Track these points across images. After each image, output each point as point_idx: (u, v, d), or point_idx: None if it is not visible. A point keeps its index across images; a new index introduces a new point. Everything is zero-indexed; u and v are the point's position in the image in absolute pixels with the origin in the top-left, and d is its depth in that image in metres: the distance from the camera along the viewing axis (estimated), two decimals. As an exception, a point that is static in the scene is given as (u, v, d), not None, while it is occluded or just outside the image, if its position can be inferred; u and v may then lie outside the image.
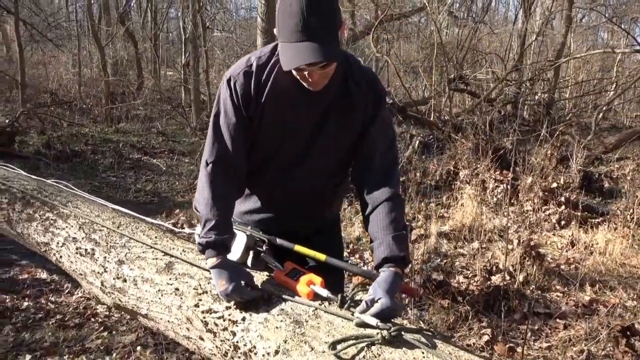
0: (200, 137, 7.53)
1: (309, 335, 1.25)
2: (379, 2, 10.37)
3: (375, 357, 1.17)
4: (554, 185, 4.44)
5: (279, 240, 1.53)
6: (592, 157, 6.50)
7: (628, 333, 2.21)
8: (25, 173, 2.35)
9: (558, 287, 3.02)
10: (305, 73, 1.30)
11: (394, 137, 1.54)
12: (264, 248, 1.53)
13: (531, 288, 2.94)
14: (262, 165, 1.51)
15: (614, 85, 10.79)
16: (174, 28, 19.24)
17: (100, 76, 10.30)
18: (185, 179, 6.08)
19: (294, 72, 1.33)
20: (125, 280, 1.63)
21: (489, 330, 2.43)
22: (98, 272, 1.70)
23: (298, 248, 1.50)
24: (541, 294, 2.93)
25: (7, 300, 2.76)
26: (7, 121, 7.03)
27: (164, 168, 6.73)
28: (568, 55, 11.68)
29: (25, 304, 2.75)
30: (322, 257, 1.50)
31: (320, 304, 1.33)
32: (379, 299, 1.27)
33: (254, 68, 1.40)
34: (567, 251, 3.62)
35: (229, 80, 1.41)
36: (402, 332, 1.21)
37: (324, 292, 1.35)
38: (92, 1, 12.04)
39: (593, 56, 12.13)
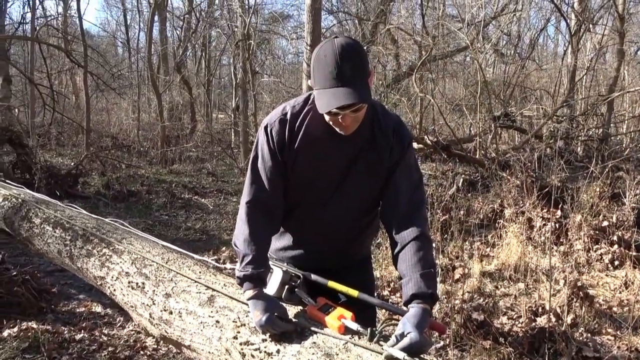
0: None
1: (339, 367, 1.31)
2: (422, 43, 10.57)
3: (402, 390, 1.20)
4: (605, 223, 4.27)
5: (313, 277, 1.62)
6: (651, 193, 6.18)
7: (683, 380, 2.08)
8: (86, 212, 2.58)
9: (609, 330, 2.88)
10: (339, 118, 1.41)
11: (420, 179, 1.61)
12: (299, 283, 1.61)
13: (580, 331, 2.82)
14: (294, 205, 1.62)
15: (674, 119, 10.29)
16: (225, 74, 20.25)
17: (157, 121, 11.00)
18: (232, 218, 6.29)
19: (327, 118, 1.45)
20: (171, 313, 1.74)
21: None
22: (147, 305, 1.83)
23: (332, 284, 1.58)
24: (591, 337, 2.80)
25: (65, 332, 2.95)
26: (72, 164, 7.61)
27: (213, 207, 6.99)
28: (622, 89, 11.31)
29: (81, 335, 2.93)
30: (354, 293, 1.56)
31: (350, 338, 1.39)
32: (408, 333, 1.31)
33: (288, 116, 1.53)
34: (620, 292, 3.45)
35: (265, 127, 1.55)
36: (428, 369, 1.24)
37: (354, 326, 1.40)
38: (152, 52, 13.01)
39: (650, 90, 11.68)
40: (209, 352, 1.63)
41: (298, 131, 1.53)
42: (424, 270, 1.45)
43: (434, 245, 1.62)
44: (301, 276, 1.63)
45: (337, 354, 1.34)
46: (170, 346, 2.95)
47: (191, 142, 10.83)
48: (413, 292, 1.42)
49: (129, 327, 3.09)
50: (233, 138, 11.89)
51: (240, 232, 1.54)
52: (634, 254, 3.85)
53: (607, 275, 3.79)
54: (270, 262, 1.63)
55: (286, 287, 1.61)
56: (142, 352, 2.84)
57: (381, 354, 1.32)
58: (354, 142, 1.52)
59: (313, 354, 1.37)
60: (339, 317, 1.44)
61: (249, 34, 8.35)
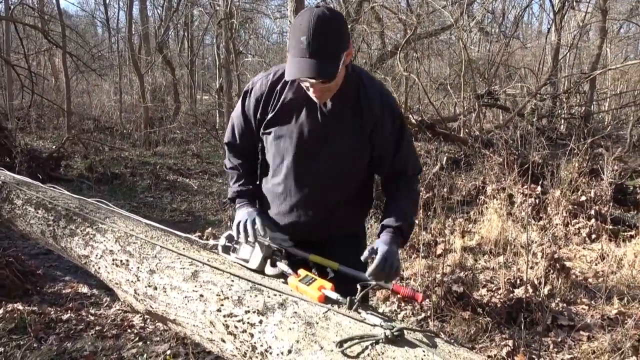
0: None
1: (319, 335, 1.35)
2: (407, 22, 10.51)
3: (379, 354, 1.25)
4: (583, 198, 4.37)
5: (294, 250, 1.67)
6: (629, 169, 6.33)
7: (650, 343, 2.19)
8: (68, 193, 2.57)
9: (584, 300, 2.99)
10: (308, 85, 1.48)
11: (411, 148, 1.72)
12: (280, 257, 1.65)
13: (556, 301, 2.93)
14: (282, 162, 1.68)
15: (654, 96, 10.46)
16: (209, 54, 19.97)
17: (140, 102, 10.84)
18: (217, 199, 6.30)
19: (302, 84, 1.52)
20: (155, 288, 1.77)
21: (510, 342, 2.44)
22: (132, 281, 1.85)
23: (313, 257, 1.64)
24: (566, 306, 2.91)
25: (52, 313, 2.97)
26: (54, 147, 7.50)
27: (198, 188, 6.98)
28: (604, 67, 11.43)
29: (67, 315, 2.95)
30: (335, 265, 1.62)
31: (330, 307, 1.43)
32: (377, 248, 1.53)
33: (270, 77, 1.64)
34: (596, 265, 3.56)
35: (247, 88, 1.71)
36: (405, 332, 1.30)
37: (334, 295, 1.45)
38: (133, 32, 12.74)
39: (632, 67, 11.83)
40: (194, 326, 1.67)
41: (281, 91, 1.61)
42: (399, 210, 1.64)
43: (418, 213, 1.74)
44: (282, 250, 1.67)
45: (317, 323, 1.39)
46: (158, 324, 3.00)
47: (175, 124, 10.72)
48: (383, 223, 1.63)
49: (115, 306, 3.12)
50: (218, 119, 11.79)
51: (228, 160, 1.82)
52: (610, 227, 3.97)
53: (584, 249, 3.91)
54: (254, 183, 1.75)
55: (268, 260, 1.66)
56: (129, 331, 2.87)
57: (360, 321, 1.37)
58: (338, 106, 1.58)
59: (294, 322, 1.41)
60: (319, 287, 1.49)
61: (232, 12, 8.23)
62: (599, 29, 11.20)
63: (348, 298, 1.42)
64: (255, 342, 1.46)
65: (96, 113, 12.32)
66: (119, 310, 3.09)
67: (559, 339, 2.57)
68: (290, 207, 1.70)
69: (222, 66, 9.88)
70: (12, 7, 10.53)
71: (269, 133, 1.66)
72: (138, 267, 1.85)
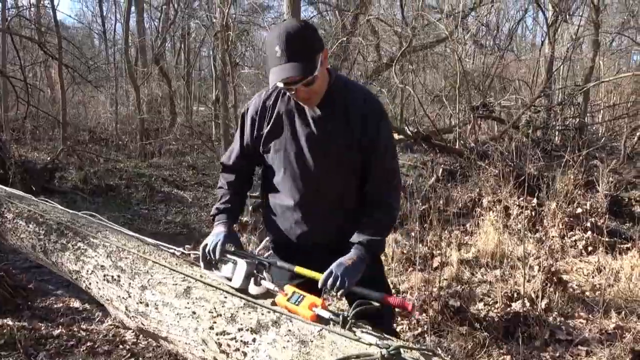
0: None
1: (314, 354, 1.32)
2: (402, 34, 10.59)
3: (375, 375, 1.23)
4: (579, 210, 4.37)
5: (279, 263, 1.67)
6: (624, 181, 6.35)
7: (647, 359, 2.16)
8: (60, 207, 2.54)
9: (582, 313, 2.96)
10: (293, 92, 1.57)
11: (393, 157, 1.76)
12: (265, 274, 1.61)
13: (553, 315, 2.90)
14: (285, 177, 1.72)
15: (647, 108, 10.54)
16: (205, 66, 20.02)
17: (136, 114, 10.81)
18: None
19: (289, 93, 1.62)
20: (147, 305, 1.74)
21: (508, 358, 2.41)
22: (123, 298, 1.82)
23: (298, 269, 1.62)
24: (564, 320, 2.88)
25: (42, 328, 2.91)
26: (48, 158, 7.46)
27: (193, 200, 6.95)
28: (598, 79, 11.53)
29: (58, 331, 2.90)
30: (321, 277, 1.59)
31: (324, 326, 1.40)
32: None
33: (263, 95, 1.75)
34: (593, 277, 3.54)
35: (245, 108, 1.81)
36: (401, 350, 1.27)
37: (326, 314, 1.42)
38: (130, 44, 12.77)
39: (625, 79, 11.93)
40: (186, 344, 1.63)
41: (273, 108, 1.70)
42: (369, 224, 1.66)
43: (397, 223, 1.76)
44: (267, 264, 1.64)
45: (312, 341, 1.36)
46: (150, 339, 2.95)
47: (171, 135, 10.70)
48: (351, 240, 1.66)
49: (107, 321, 3.06)
50: (214, 130, 11.78)
51: (219, 181, 1.88)
52: (606, 239, 3.95)
53: (580, 261, 3.89)
54: (233, 254, 1.69)
55: (252, 279, 1.61)
56: (121, 347, 2.82)
57: (354, 339, 1.34)
58: (327, 111, 1.65)
59: (288, 341, 1.38)
60: (310, 306, 1.45)
61: (228, 25, 8.25)
62: (592, 42, 11.31)
63: (341, 316, 1.40)
64: (248, 361, 1.42)
65: (92, 124, 12.29)
66: (111, 325, 3.04)
67: (557, 354, 2.54)
68: (300, 216, 1.74)
69: (218, 78, 9.89)
70: (8, 18, 10.54)
71: (268, 150, 1.72)
72: (130, 283, 1.82)
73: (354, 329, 1.36)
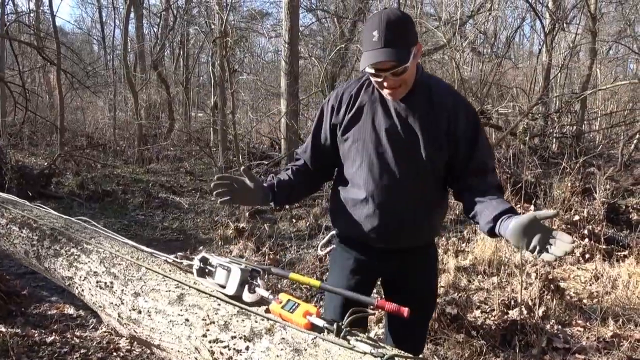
0: (226, 176, 7.75)
1: (307, 363, 1.31)
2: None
3: (369, 384, 1.21)
4: (577, 217, 4.36)
5: (274, 270, 1.63)
6: (620, 188, 6.36)
7: (645, 368, 2.15)
8: (54, 212, 2.52)
9: (579, 321, 2.95)
10: (381, 79, 1.54)
11: (490, 154, 1.69)
12: (259, 282, 1.59)
13: (551, 323, 2.88)
14: (360, 169, 1.69)
15: (644, 116, 10.60)
16: (204, 72, 20.06)
17: (134, 119, 10.82)
18: (209, 217, 6.24)
19: (375, 83, 1.60)
20: (140, 312, 1.71)
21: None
22: (116, 304, 1.79)
23: (293, 276, 1.60)
24: (561, 328, 2.86)
25: (35, 335, 2.89)
26: (45, 164, 7.44)
27: (190, 207, 6.92)
28: (595, 87, 11.58)
29: (52, 338, 2.87)
30: (317, 283, 1.58)
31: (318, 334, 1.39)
32: (553, 237, 1.33)
33: (345, 86, 1.74)
34: (590, 285, 3.53)
35: (326, 99, 1.79)
36: (396, 359, 1.25)
37: (321, 322, 1.40)
38: (129, 50, 12.79)
39: (622, 87, 12.00)
40: (178, 351, 1.61)
41: (356, 97, 1.68)
42: (496, 199, 1.55)
43: None
44: (260, 271, 1.61)
45: (306, 349, 1.34)
46: (144, 347, 2.92)
47: (169, 141, 10.69)
48: (493, 214, 1.50)
49: (101, 328, 3.04)
50: (212, 136, 11.78)
51: (286, 167, 1.87)
52: (604, 247, 3.95)
53: (578, 269, 3.88)
54: (227, 260, 1.64)
55: (246, 286, 1.58)
56: (115, 354, 2.80)
57: (349, 348, 1.32)
58: (411, 104, 1.62)
59: (282, 349, 1.36)
60: (304, 314, 1.43)
61: (227, 31, 8.27)
62: (589, 50, 11.39)
63: (335, 324, 1.38)
64: (241, 370, 1.40)
65: (90, 130, 12.30)
66: (105, 332, 3.01)
67: (555, 363, 2.53)
68: (372, 211, 1.68)
69: (217, 84, 9.91)
70: (7, 24, 10.57)
71: (347, 139, 1.69)
72: (122, 290, 1.80)
73: (349, 337, 1.34)
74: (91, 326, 3.08)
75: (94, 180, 7.44)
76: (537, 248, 1.35)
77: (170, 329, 1.62)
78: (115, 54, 16.93)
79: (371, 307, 1.52)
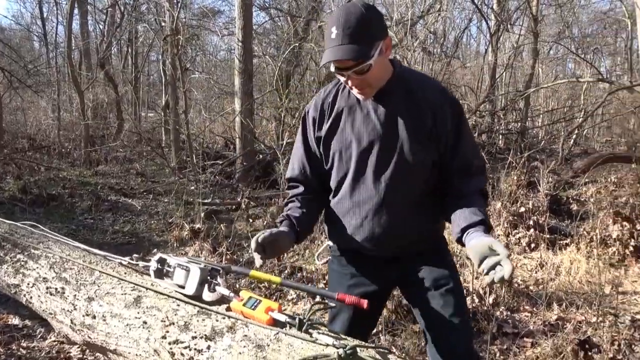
0: (180, 177, 7.58)
1: (271, 358, 1.31)
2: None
3: (332, 375, 1.23)
4: (522, 209, 4.59)
5: (234, 268, 1.62)
6: (562, 181, 6.73)
7: (587, 346, 2.30)
8: (-3, 217, 2.39)
9: (527, 307, 3.11)
10: (345, 79, 1.48)
11: (474, 147, 1.62)
12: (219, 280, 1.57)
13: (500, 309, 3.02)
14: (345, 177, 1.62)
15: (582, 112, 11.26)
16: (154, 70, 19.51)
17: (80, 120, 10.38)
18: (163, 219, 6.09)
19: (344, 84, 1.54)
20: (94, 317, 1.66)
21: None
22: (68, 310, 1.73)
23: (253, 273, 1.59)
24: (510, 314, 3.01)
25: (-22, 348, 2.74)
26: (-17, 168, 7.02)
27: (142, 209, 6.73)
28: (537, 86, 12.18)
29: (-4, 350, 2.73)
30: (277, 280, 1.59)
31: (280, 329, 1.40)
32: (494, 247, 1.36)
33: (322, 94, 1.66)
34: (536, 272, 3.73)
35: (304, 111, 1.70)
36: (358, 350, 1.28)
37: (283, 317, 1.41)
38: (73, 47, 12.24)
39: (561, 85, 12.68)
40: (137, 355, 1.57)
41: (333, 104, 1.61)
42: (471, 207, 1.50)
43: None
44: (220, 270, 1.58)
45: (269, 345, 1.35)
46: (98, 354, 2.83)
47: (118, 142, 10.33)
48: (464, 224, 1.47)
49: (50, 337, 2.91)
50: (163, 137, 11.48)
51: (288, 197, 1.75)
52: (547, 236, 4.17)
53: (524, 257, 4.08)
54: (186, 260, 1.60)
55: (206, 285, 1.56)
56: (66, 363, 2.69)
57: (311, 341, 1.34)
58: (392, 103, 1.54)
59: (244, 346, 1.36)
60: (266, 310, 1.44)
61: (178, 29, 8.09)
62: (532, 50, 11.95)
63: (297, 319, 1.39)
64: (202, 369, 1.39)
65: (32, 131, 11.69)
66: (54, 341, 2.89)
67: (505, 347, 2.65)
68: (361, 221, 1.60)
69: (168, 83, 9.67)
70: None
71: (329, 149, 1.62)
72: (75, 295, 1.74)
73: (311, 331, 1.36)
74: (39, 336, 2.95)
75: (37, 184, 7.09)
76: (484, 270, 1.37)
77: (128, 332, 1.58)
78: (59, 52, 16.16)
79: (332, 300, 1.54)
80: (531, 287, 3.45)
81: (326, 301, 1.53)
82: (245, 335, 1.40)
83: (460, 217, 1.51)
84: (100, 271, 1.78)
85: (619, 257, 3.79)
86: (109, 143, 10.29)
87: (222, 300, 1.56)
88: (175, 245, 4.35)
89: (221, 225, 4.68)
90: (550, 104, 14.55)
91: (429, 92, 1.55)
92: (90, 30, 15.33)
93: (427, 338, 1.68)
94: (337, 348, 1.27)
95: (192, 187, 6.77)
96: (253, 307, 1.45)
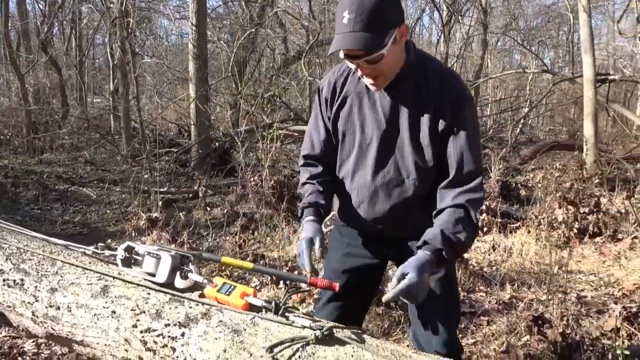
0: (132, 165, 7.34)
1: (248, 342, 1.32)
2: (310, 28, 10.72)
3: (310, 355, 1.25)
4: (476, 195, 4.76)
5: (205, 255, 1.62)
6: (510, 168, 7.05)
7: (540, 322, 2.45)
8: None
9: (482, 287, 3.26)
10: (355, 67, 1.44)
11: (473, 145, 1.48)
12: (191, 267, 1.56)
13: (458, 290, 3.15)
14: (347, 161, 1.62)
15: (528, 102, 11.79)
16: (100, 54, 18.65)
17: (21, 105, 9.78)
18: (118, 208, 5.90)
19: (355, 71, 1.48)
20: (58, 308, 1.60)
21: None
22: (29, 302, 1.65)
23: (225, 259, 1.59)
24: (467, 295, 3.15)
25: None
26: None
27: (94, 198, 6.49)
28: (486, 76, 12.62)
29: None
30: (249, 265, 1.60)
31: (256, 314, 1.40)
32: (407, 273, 1.34)
33: (336, 74, 1.62)
34: (489, 255, 3.91)
35: (317, 88, 1.68)
36: (334, 331, 1.31)
37: (258, 302, 1.42)
38: (10, 28, 11.48)
39: (508, 76, 13.20)
40: (105, 345, 1.54)
41: (342, 86, 1.58)
42: (447, 229, 1.42)
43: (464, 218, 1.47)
44: (191, 257, 1.57)
45: (245, 329, 1.35)
46: (55, 347, 2.73)
47: (64, 129, 9.83)
48: (425, 238, 1.43)
49: (1, 332, 2.78)
50: (112, 123, 11.03)
51: (302, 175, 1.70)
52: (499, 220, 4.37)
53: (478, 240, 4.26)
54: (156, 248, 1.57)
55: (177, 272, 1.54)
56: (20, 359, 2.58)
57: (288, 325, 1.35)
58: (396, 98, 1.50)
59: (220, 332, 1.36)
60: (241, 295, 1.44)
61: (127, 11, 7.76)
62: (481, 41, 12.35)
63: (273, 303, 1.41)
64: (177, 356, 1.38)
65: (-34, 118, 10.92)
66: (5, 337, 2.76)
67: (462, 325, 2.77)
68: (359, 203, 1.62)
69: (117, 67, 9.28)
70: None
71: (337, 129, 1.61)
72: (36, 287, 1.66)
73: (287, 314, 1.38)
74: (-12, 332, 2.80)
75: (-25, 173, 6.67)
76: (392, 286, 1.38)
77: (95, 322, 1.54)
78: (-6, 32, 15.07)
79: (305, 284, 1.56)
80: (485, 269, 3.62)
81: (302, 285, 1.54)
82: (221, 321, 1.39)
83: (430, 230, 1.45)
84: (62, 261, 1.72)
85: (564, 238, 4.04)
86: (54, 130, 9.77)
87: (195, 287, 1.55)
88: (133, 234, 4.23)
89: (180, 214, 4.59)
90: (498, 94, 15.14)
91: (435, 85, 1.47)
92: (28, 9, 14.42)
93: (412, 319, 1.71)
94: (314, 330, 1.30)
95: (146, 176, 6.58)
96: (227, 292, 1.45)
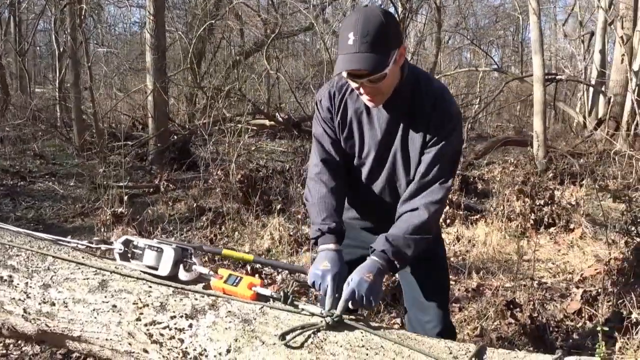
0: (89, 158, 7.05)
1: (259, 331, 1.35)
2: (267, 21, 10.66)
3: (322, 341, 1.31)
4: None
5: (205, 247, 1.64)
6: (466, 162, 7.35)
7: (511, 307, 2.62)
8: None
9: (451, 276, 3.42)
10: (356, 86, 1.47)
11: (442, 157, 1.53)
12: (194, 259, 1.57)
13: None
14: (352, 177, 1.70)
15: (478, 100, 12.28)
16: (44, 41, 17.65)
17: (-44, 94, 9.13)
18: (73, 203, 5.67)
19: (352, 86, 1.52)
20: (53, 304, 1.57)
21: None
22: (20, 299, 1.60)
23: (225, 252, 1.62)
24: (438, 283, 3.30)
25: None
26: None
27: (46, 193, 6.19)
28: (439, 73, 13.02)
29: None
30: (250, 257, 1.64)
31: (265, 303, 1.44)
32: (351, 279, 1.45)
33: (335, 88, 1.63)
34: (454, 245, 4.10)
35: (317, 101, 1.68)
36: (343, 317, 1.37)
37: (267, 292, 1.45)
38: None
39: (460, 74, 13.68)
40: (106, 339, 1.52)
41: (340, 102, 1.61)
42: (397, 232, 1.51)
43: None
44: (191, 249, 1.58)
45: (255, 319, 1.38)
46: (25, 348, 2.64)
47: (6, 121, 9.27)
48: (373, 246, 1.52)
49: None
50: (59, 115, 10.49)
51: (308, 193, 1.65)
52: (462, 212, 4.58)
53: (443, 232, 4.44)
54: (156, 242, 1.58)
55: (181, 265, 1.56)
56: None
57: (297, 313, 1.40)
58: (392, 113, 1.55)
59: (230, 322, 1.39)
60: (248, 285, 1.47)
61: (79, -4, 7.41)
62: (435, 39, 12.72)
63: (282, 292, 1.45)
64: (186, 348, 1.39)
65: None
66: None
67: (436, 313, 2.91)
68: (358, 209, 1.75)
69: (67, 56, 8.84)
70: None
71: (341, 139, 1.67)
72: (27, 283, 1.62)
73: (296, 302, 1.42)
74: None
75: None
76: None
77: (95, 317, 1.52)
78: None
79: (305, 274, 1.61)
80: (452, 259, 3.79)
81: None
82: (230, 311, 1.42)
83: (382, 236, 1.52)
84: (54, 256, 1.68)
85: (522, 229, 4.29)
86: (-4, 121, 9.20)
87: (199, 279, 1.56)
88: (102, 230, 4.09)
89: (147, 209, 4.49)
90: (450, 91, 15.59)
91: (427, 102, 1.53)
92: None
93: (407, 306, 1.82)
94: (324, 317, 1.35)
95: (101, 170, 6.34)
96: (235, 284, 1.48)
